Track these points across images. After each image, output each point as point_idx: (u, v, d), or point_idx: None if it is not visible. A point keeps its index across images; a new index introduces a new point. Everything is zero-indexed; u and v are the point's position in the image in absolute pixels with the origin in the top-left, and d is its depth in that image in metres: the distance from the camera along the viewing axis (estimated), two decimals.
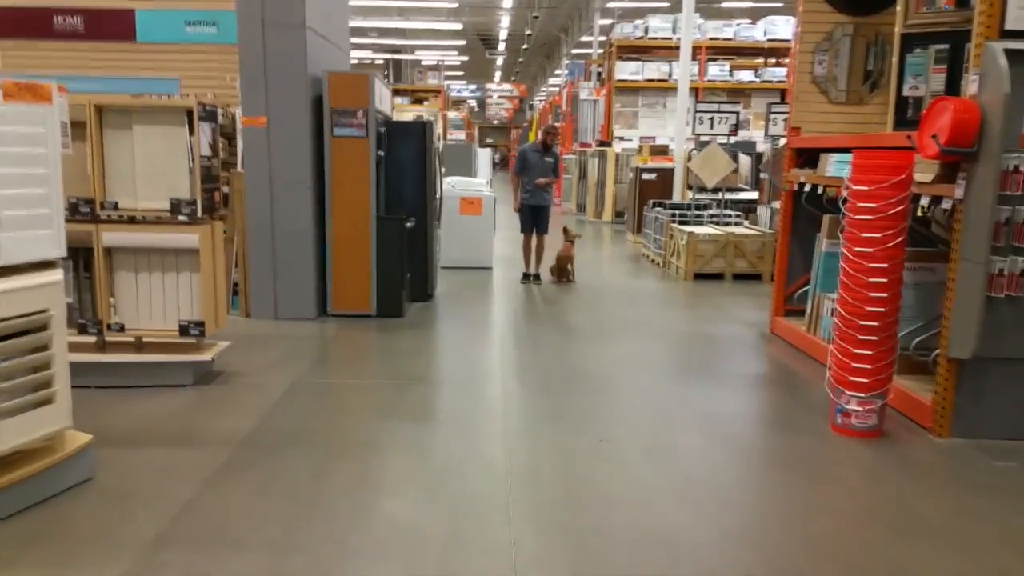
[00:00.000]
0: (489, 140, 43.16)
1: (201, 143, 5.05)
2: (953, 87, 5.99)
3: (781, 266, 6.94)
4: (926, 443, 4.27)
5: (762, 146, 15.76)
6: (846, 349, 4.37)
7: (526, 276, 9.41)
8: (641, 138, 18.45)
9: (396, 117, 11.28)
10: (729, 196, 11.74)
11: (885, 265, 4.25)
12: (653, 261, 11.22)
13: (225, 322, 5.39)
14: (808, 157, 6.64)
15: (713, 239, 9.83)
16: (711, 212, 11.20)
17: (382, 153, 7.27)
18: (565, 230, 9.56)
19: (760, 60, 18.89)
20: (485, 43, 31.36)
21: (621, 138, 18.44)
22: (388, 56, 23.78)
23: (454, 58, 32.66)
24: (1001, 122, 3.95)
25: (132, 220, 5.06)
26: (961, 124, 4.01)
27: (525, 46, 28.33)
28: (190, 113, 4.95)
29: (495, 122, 50.71)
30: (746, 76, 18.54)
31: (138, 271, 5.20)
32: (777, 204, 10.53)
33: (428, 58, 29.46)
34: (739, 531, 3.28)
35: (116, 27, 7.80)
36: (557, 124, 10.39)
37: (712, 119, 10.87)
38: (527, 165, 9.11)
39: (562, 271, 9.43)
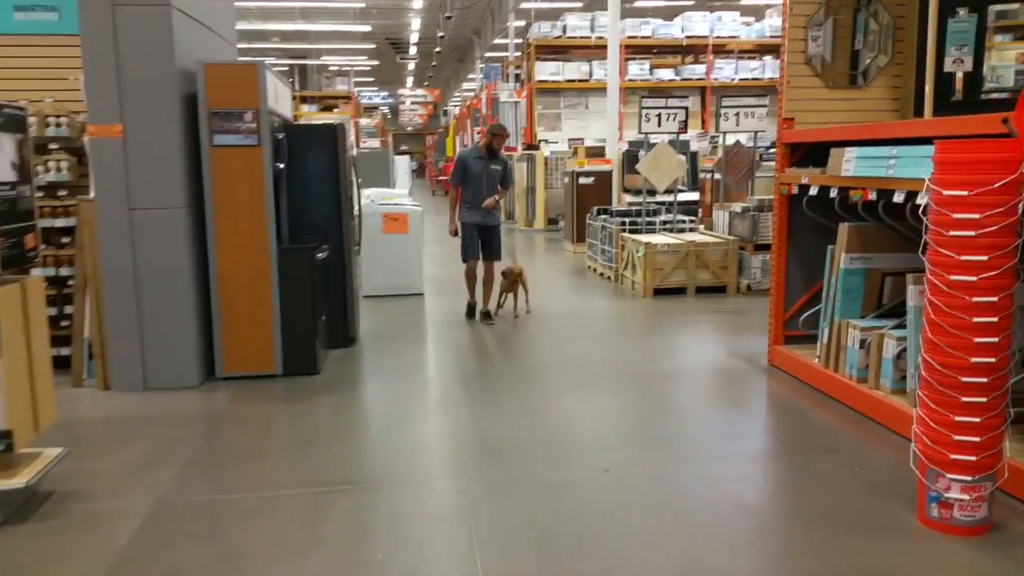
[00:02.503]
0: (404, 147, 41.45)
1: None
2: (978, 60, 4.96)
3: (778, 285, 5.74)
4: None
5: (695, 144, 14.87)
6: (942, 416, 3.14)
7: (471, 309, 7.57)
8: (569, 140, 17.44)
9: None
10: (678, 199, 10.58)
11: (994, 299, 3.04)
12: (602, 275, 9.98)
13: (51, 420, 3.80)
14: (805, 153, 5.50)
15: (672, 249, 8.64)
16: (663, 219, 10.02)
17: (281, 165, 5.76)
18: (504, 274, 7.57)
19: (679, 58, 18.28)
20: (395, 47, 29.72)
21: (546, 141, 17.55)
22: (293, 61, 21.95)
23: (363, 63, 30.90)
24: None
25: None
26: None
27: (437, 49, 26.86)
28: None
29: (409, 129, 49.10)
30: (666, 75, 17.95)
31: None
32: (737, 207, 9.46)
33: (336, 63, 27.67)
34: None
35: None
36: (502, 123, 8.88)
37: (660, 116, 9.76)
38: (469, 175, 7.21)
39: (510, 290, 7.59)
